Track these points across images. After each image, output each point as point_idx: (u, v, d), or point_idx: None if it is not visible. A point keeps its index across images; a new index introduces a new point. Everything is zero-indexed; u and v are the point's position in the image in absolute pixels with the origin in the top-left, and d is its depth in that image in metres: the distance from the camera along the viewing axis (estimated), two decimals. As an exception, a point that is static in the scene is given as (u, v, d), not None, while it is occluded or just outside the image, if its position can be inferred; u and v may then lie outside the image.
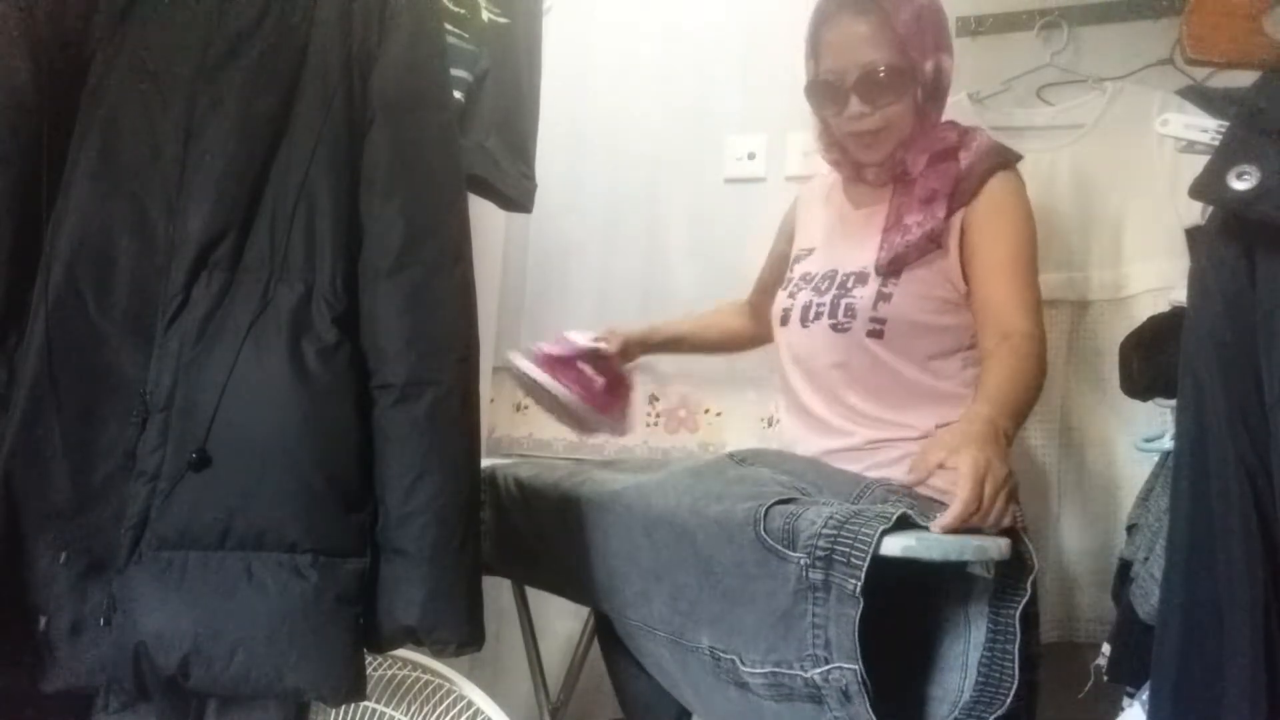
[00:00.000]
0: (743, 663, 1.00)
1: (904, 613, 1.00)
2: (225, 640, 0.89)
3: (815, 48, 1.33)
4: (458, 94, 1.50)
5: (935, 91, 1.31)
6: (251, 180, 0.97)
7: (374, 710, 1.42)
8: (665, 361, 2.01)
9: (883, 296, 1.28)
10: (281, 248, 0.96)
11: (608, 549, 1.19)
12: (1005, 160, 1.31)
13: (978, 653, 1.02)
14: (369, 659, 1.02)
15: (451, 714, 1.40)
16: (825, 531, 0.94)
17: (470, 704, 1.40)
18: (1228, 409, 0.82)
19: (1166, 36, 1.60)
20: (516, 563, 1.44)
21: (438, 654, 1.03)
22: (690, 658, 1.09)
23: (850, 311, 1.29)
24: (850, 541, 0.93)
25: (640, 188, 2.08)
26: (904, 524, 0.96)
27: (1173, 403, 1.07)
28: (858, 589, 0.91)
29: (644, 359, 2.06)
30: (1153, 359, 1.30)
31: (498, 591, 1.56)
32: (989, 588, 1.01)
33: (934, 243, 1.26)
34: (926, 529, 0.97)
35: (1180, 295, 1.05)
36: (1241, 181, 0.80)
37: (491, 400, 2.09)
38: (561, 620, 1.79)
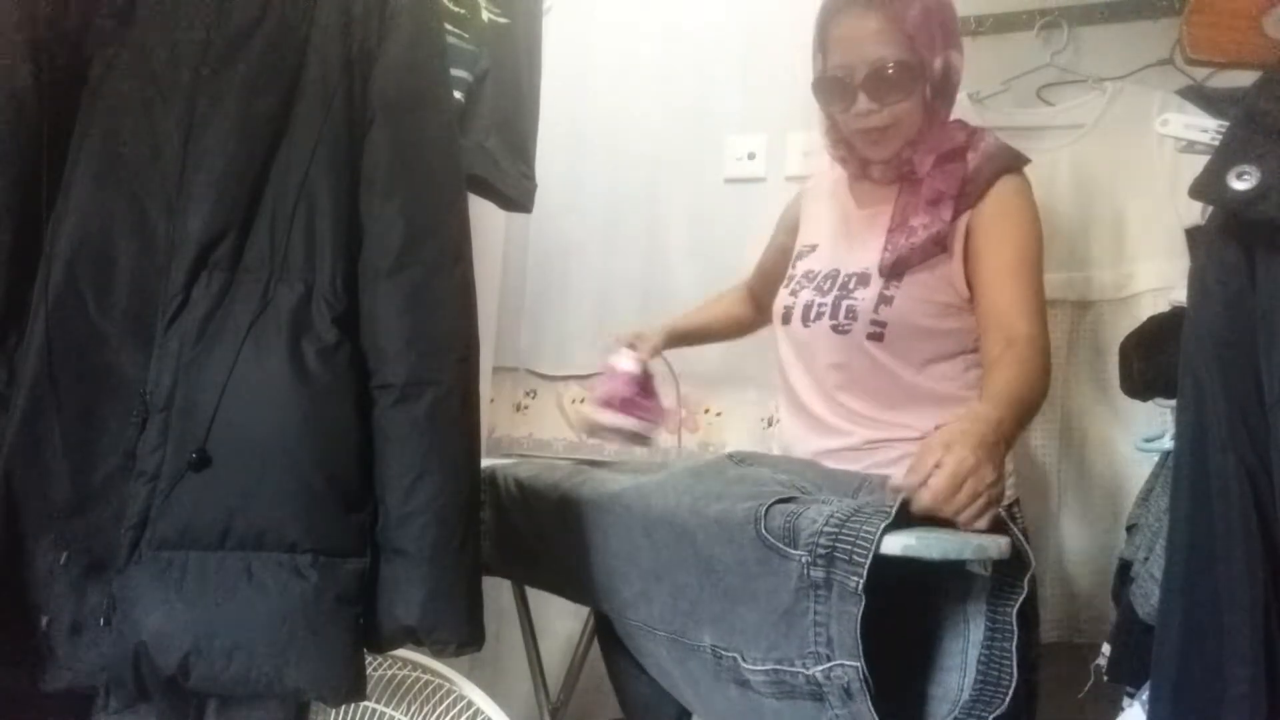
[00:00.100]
0: (744, 660, 1.01)
1: (903, 611, 1.00)
2: (225, 640, 0.89)
3: (823, 43, 1.32)
4: (458, 94, 1.50)
5: (944, 89, 1.29)
6: (251, 180, 0.97)
7: (374, 710, 1.42)
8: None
9: (884, 299, 1.27)
10: (281, 248, 0.96)
11: (607, 549, 1.19)
12: (1013, 163, 1.30)
13: (976, 651, 1.02)
14: (369, 659, 1.02)
15: (451, 714, 1.40)
16: (826, 529, 0.94)
17: (470, 704, 1.40)
18: (1228, 409, 0.82)
19: (1166, 36, 1.60)
20: (516, 563, 1.44)
21: (438, 654, 1.03)
22: (691, 657, 1.09)
23: (851, 313, 1.29)
24: (852, 539, 0.93)
25: (640, 188, 2.08)
26: (904, 517, 0.96)
27: (1173, 403, 1.07)
28: (860, 586, 0.91)
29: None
30: (1153, 359, 1.29)
31: (498, 591, 1.56)
32: (987, 586, 1.01)
33: (939, 246, 1.25)
34: (924, 522, 0.97)
35: (1180, 295, 1.05)
36: (1241, 181, 0.80)
37: (491, 400, 2.09)
38: (561, 620, 1.79)
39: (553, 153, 1.82)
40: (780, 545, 0.97)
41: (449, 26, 1.39)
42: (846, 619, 0.93)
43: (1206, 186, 0.83)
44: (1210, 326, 0.85)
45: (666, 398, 1.52)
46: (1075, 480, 1.63)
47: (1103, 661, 1.32)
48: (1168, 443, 1.27)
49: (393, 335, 0.97)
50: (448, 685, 1.42)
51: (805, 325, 1.34)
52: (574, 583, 1.27)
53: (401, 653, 1.40)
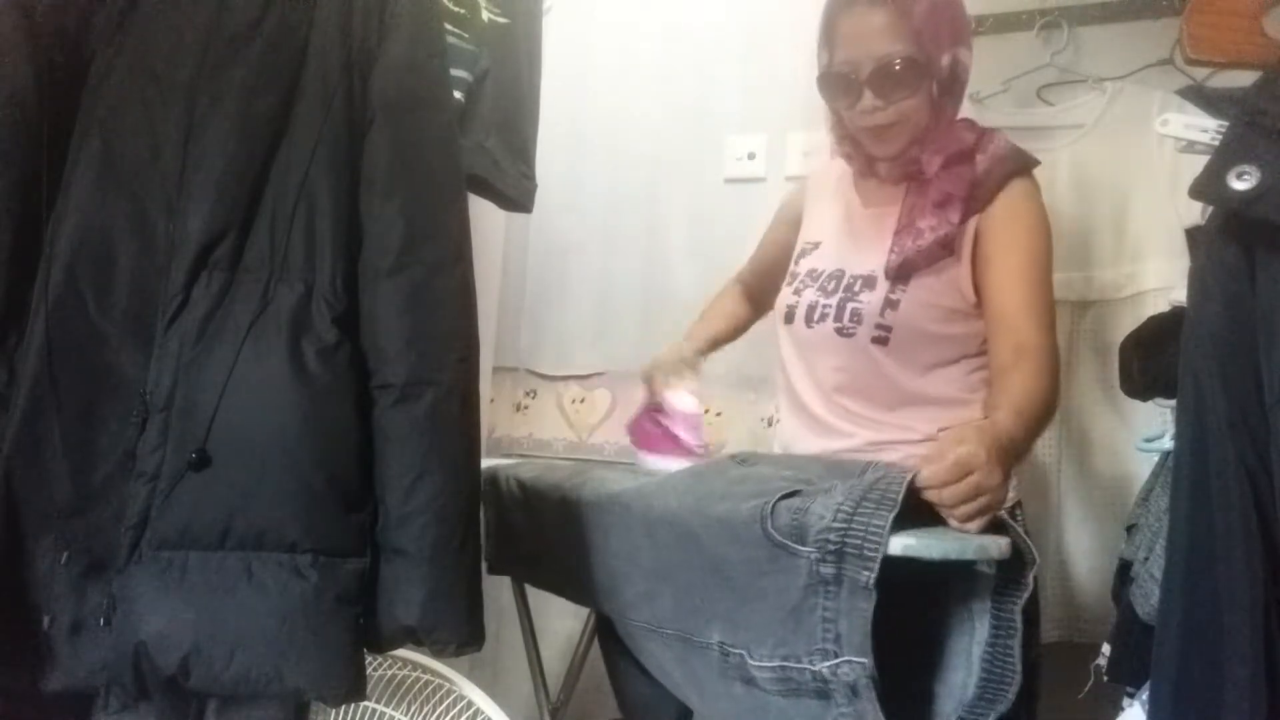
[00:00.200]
0: (751, 657, 1.00)
1: (907, 609, 0.99)
2: (225, 640, 0.89)
3: (829, 38, 1.29)
4: (458, 94, 1.50)
5: (951, 86, 1.27)
6: (251, 180, 0.97)
7: (374, 710, 1.42)
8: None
9: (890, 304, 1.26)
10: (281, 248, 0.96)
11: (608, 549, 1.19)
12: (1022, 166, 1.28)
13: (981, 649, 1.01)
14: (369, 659, 1.02)
15: (451, 714, 1.40)
16: (835, 525, 0.94)
17: (470, 704, 1.40)
18: (1228, 409, 0.82)
19: (1166, 36, 1.59)
20: (517, 563, 1.44)
21: (438, 654, 1.03)
22: (696, 656, 1.08)
23: (856, 316, 1.27)
24: (862, 533, 0.92)
25: (640, 188, 2.08)
26: (909, 508, 0.96)
27: (1173, 403, 1.07)
28: (871, 581, 0.91)
29: (642, 357, 2.07)
30: (1153, 359, 1.29)
31: (498, 591, 1.56)
32: (991, 584, 1.01)
33: (946, 249, 1.24)
34: (928, 521, 0.97)
35: (1180, 295, 1.05)
36: (1241, 181, 0.80)
37: (491, 400, 2.09)
38: (561, 620, 1.79)
39: (553, 153, 1.82)
40: (788, 543, 0.97)
41: (449, 26, 1.39)
42: (857, 615, 0.92)
43: (1206, 186, 0.83)
44: (1210, 326, 0.84)
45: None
46: (1075, 480, 1.63)
47: (1103, 661, 1.32)
48: (1168, 443, 1.27)
49: (393, 335, 0.97)
50: (448, 685, 1.42)
51: (808, 326, 1.33)
52: (575, 583, 1.27)
53: (401, 653, 1.40)
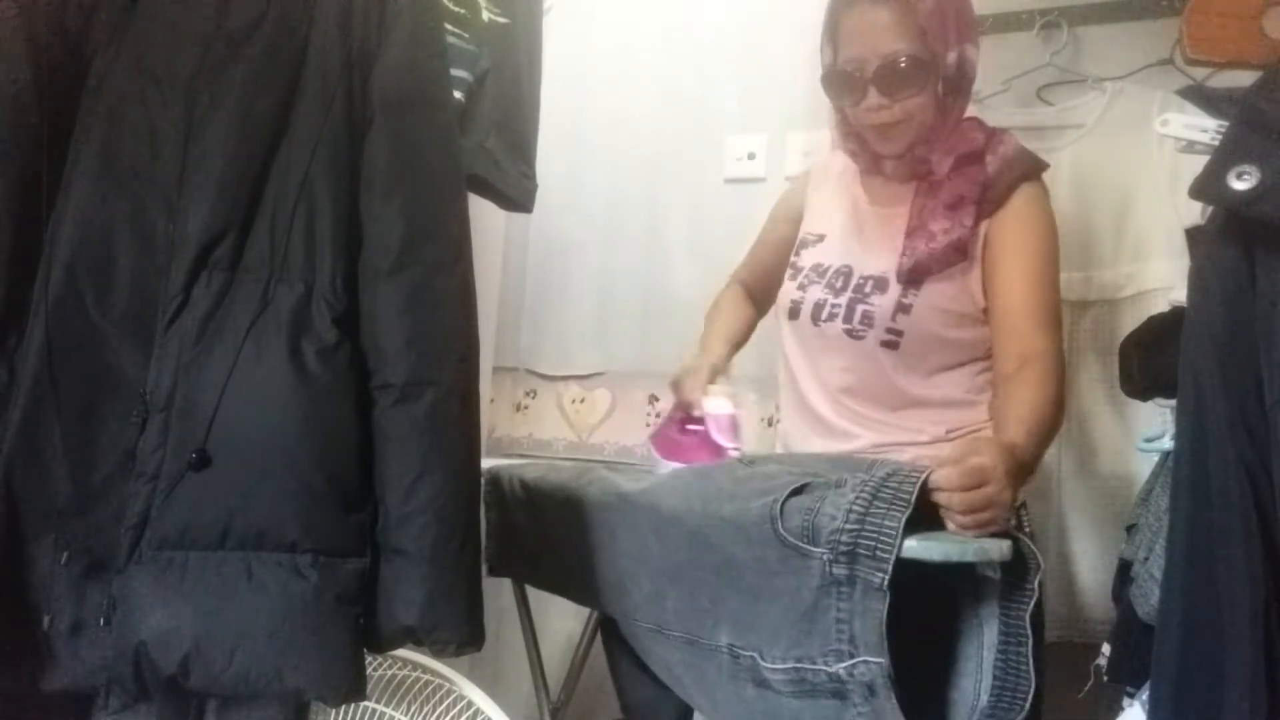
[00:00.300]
0: (763, 659, 1.00)
1: (916, 614, 0.98)
2: (225, 640, 0.89)
3: (833, 34, 1.28)
4: (458, 94, 1.50)
5: (958, 84, 1.26)
6: (251, 180, 0.97)
7: (374, 710, 1.42)
8: (665, 361, 2.01)
9: (902, 307, 1.25)
10: (281, 248, 0.96)
11: (616, 550, 1.19)
12: (1033, 169, 1.28)
13: (991, 654, 1.01)
14: (369, 659, 1.02)
15: (451, 714, 1.40)
16: (848, 526, 0.93)
17: (470, 704, 1.40)
18: (1228, 409, 0.82)
19: (1166, 36, 1.59)
20: (520, 564, 1.43)
21: (438, 654, 1.03)
22: (705, 658, 1.08)
23: (867, 319, 1.26)
24: (875, 534, 0.92)
25: (640, 188, 2.08)
26: (921, 510, 0.96)
27: (1173, 403, 1.07)
28: (885, 582, 0.91)
29: (642, 357, 2.07)
30: (1153, 359, 1.29)
31: (498, 591, 1.56)
32: (997, 589, 1.01)
33: (960, 253, 1.23)
34: (934, 525, 0.97)
35: (1180, 295, 1.05)
36: (1241, 181, 0.80)
37: (491, 400, 2.09)
38: (561, 620, 1.79)
39: (553, 153, 1.82)
40: (800, 544, 0.97)
41: (449, 26, 1.39)
42: (871, 615, 0.92)
43: (1206, 186, 0.83)
44: (1210, 326, 0.84)
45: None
46: (1076, 480, 1.62)
47: (1103, 661, 1.32)
48: (1168, 443, 1.27)
49: (393, 335, 0.97)
50: (448, 685, 1.41)
51: (815, 324, 1.31)
52: (579, 584, 1.26)
53: (401, 653, 1.40)
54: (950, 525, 0.98)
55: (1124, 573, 1.32)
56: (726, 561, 1.04)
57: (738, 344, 1.53)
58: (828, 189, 1.43)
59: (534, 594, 1.50)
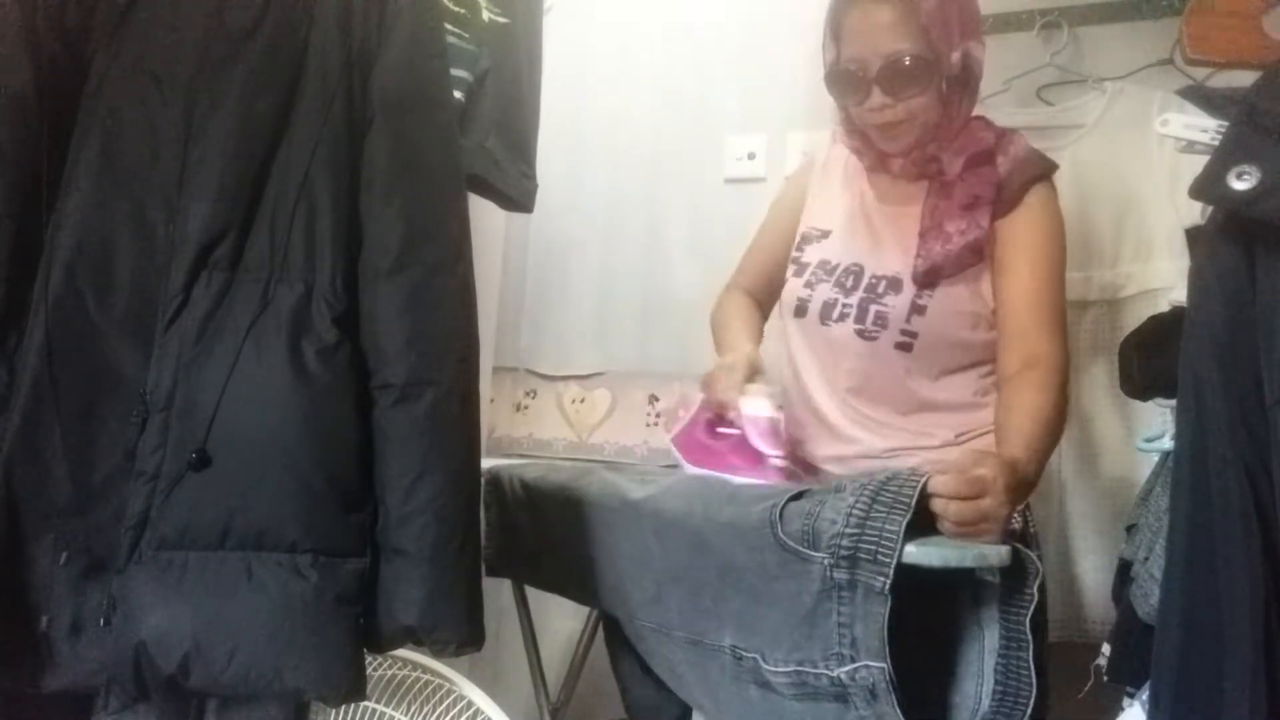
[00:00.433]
0: (765, 661, 1.00)
1: (917, 618, 0.98)
2: (225, 640, 0.89)
3: (836, 33, 1.27)
4: (458, 94, 1.50)
5: (963, 82, 1.25)
6: (251, 180, 0.97)
7: (374, 710, 1.42)
8: (665, 361, 2.01)
9: (917, 309, 1.24)
10: (281, 248, 0.96)
11: (617, 551, 1.19)
12: (1044, 171, 1.27)
13: (993, 659, 1.00)
14: (369, 659, 1.02)
15: (451, 714, 1.40)
16: (848, 530, 0.93)
17: (470, 704, 1.40)
18: (1228, 409, 0.82)
19: (1166, 36, 1.59)
20: (521, 564, 1.43)
21: (438, 654, 1.03)
22: (708, 659, 1.08)
23: (881, 320, 1.25)
24: (875, 538, 0.92)
25: (640, 188, 2.08)
26: (927, 517, 0.96)
27: (1173, 403, 1.07)
28: (886, 586, 0.91)
29: (642, 357, 2.06)
30: (1153, 359, 1.29)
31: (498, 591, 1.56)
32: (997, 593, 1.01)
33: (977, 254, 1.22)
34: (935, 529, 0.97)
35: (1180, 295, 1.05)
36: (1241, 181, 0.80)
37: (491, 400, 2.09)
38: (561, 620, 1.79)
39: (553, 153, 1.82)
40: (800, 549, 0.96)
41: (449, 26, 1.39)
42: (872, 620, 0.92)
43: (1206, 186, 0.83)
44: (1210, 326, 0.84)
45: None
46: (1076, 480, 1.62)
47: (1103, 661, 1.32)
48: (1168, 443, 1.27)
49: (393, 335, 0.97)
50: (448, 685, 1.41)
51: (824, 324, 1.30)
52: (581, 584, 1.26)
53: (401, 653, 1.40)
54: (943, 529, 0.98)
55: (1124, 573, 1.32)
56: (727, 565, 1.04)
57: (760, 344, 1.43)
58: (832, 182, 1.41)
59: (534, 594, 1.50)
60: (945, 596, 1.03)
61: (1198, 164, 0.86)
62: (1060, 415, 1.17)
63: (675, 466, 1.33)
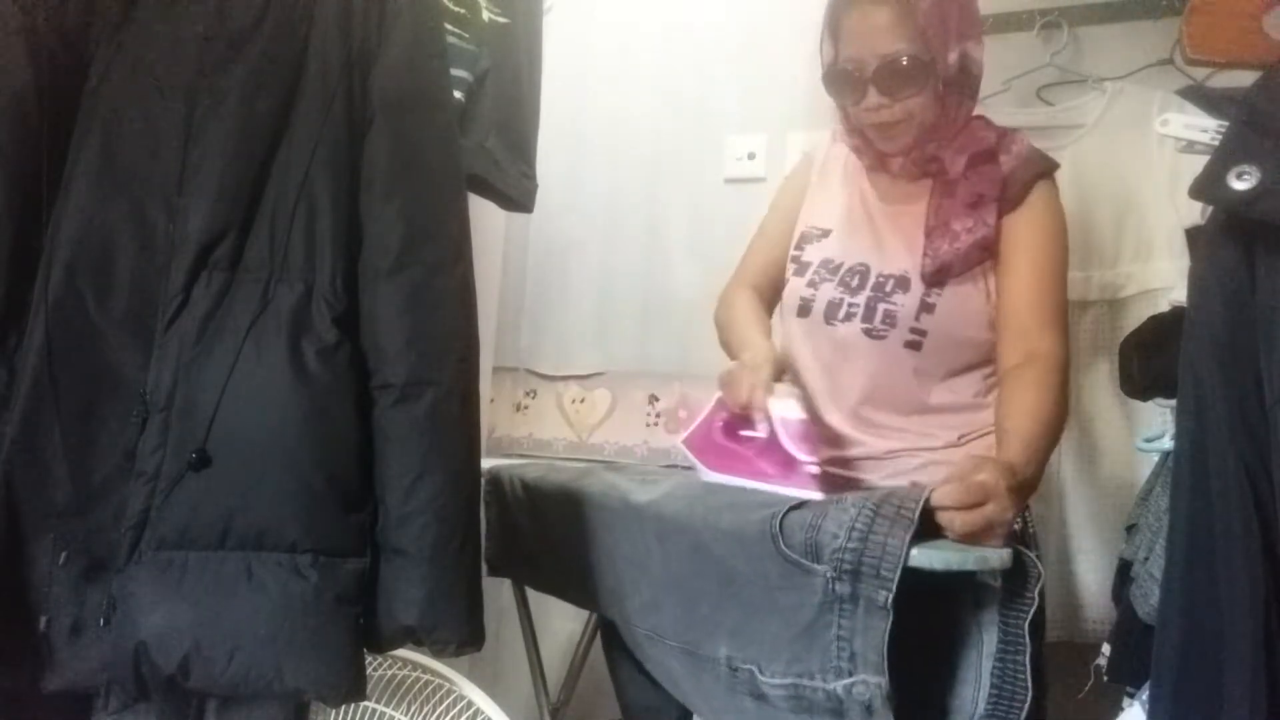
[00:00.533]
0: (761, 673, 0.99)
1: (916, 620, 0.98)
2: (225, 640, 0.89)
3: (833, 33, 1.27)
4: (458, 94, 1.50)
5: (961, 82, 1.24)
6: (251, 180, 0.97)
7: (374, 710, 1.42)
8: (665, 361, 2.01)
9: (926, 307, 1.23)
10: (281, 248, 0.96)
11: (617, 552, 1.18)
12: (1047, 168, 1.27)
13: (990, 663, 1.00)
14: (369, 659, 1.02)
15: (451, 714, 1.40)
16: (850, 545, 0.93)
17: (470, 704, 1.40)
18: (1228, 409, 0.82)
19: (1166, 36, 1.60)
20: (520, 565, 1.43)
21: (438, 654, 1.03)
22: (704, 669, 1.07)
23: (889, 318, 1.24)
24: (878, 552, 0.91)
25: (640, 188, 2.08)
26: (927, 527, 0.95)
27: (1173, 403, 1.07)
28: (888, 601, 0.90)
29: (642, 357, 2.06)
30: (1153, 359, 1.30)
31: (498, 591, 1.56)
32: (997, 596, 1.00)
33: (985, 251, 1.22)
34: (938, 534, 0.97)
35: (1180, 295, 1.05)
36: (1241, 181, 0.80)
37: (491, 400, 2.09)
38: (561, 620, 1.79)
39: (553, 153, 1.82)
40: (803, 560, 0.96)
41: (449, 26, 1.39)
42: (873, 634, 0.92)
43: (1206, 186, 0.83)
44: (1210, 326, 0.84)
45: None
46: (1076, 480, 1.63)
47: (1103, 661, 1.32)
48: (1168, 443, 1.27)
49: (393, 335, 0.97)
50: (448, 685, 1.41)
51: (829, 323, 1.29)
52: (580, 586, 1.26)
53: (401, 653, 1.40)
54: (949, 534, 0.98)
55: (1124, 573, 1.32)
56: (728, 574, 1.03)
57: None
58: (831, 181, 1.41)
59: (534, 594, 1.50)
60: (947, 599, 1.03)
61: (1198, 164, 0.86)
62: (1060, 413, 1.17)
63: (674, 466, 1.32)
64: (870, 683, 0.91)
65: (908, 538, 0.92)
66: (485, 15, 1.54)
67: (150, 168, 0.96)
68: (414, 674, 1.43)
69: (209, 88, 0.97)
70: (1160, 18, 1.65)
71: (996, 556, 0.96)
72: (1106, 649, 1.32)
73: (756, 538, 1.00)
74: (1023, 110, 1.72)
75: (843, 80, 1.26)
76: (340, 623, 0.92)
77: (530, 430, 2.14)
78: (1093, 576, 1.58)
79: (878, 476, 1.25)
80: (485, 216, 1.70)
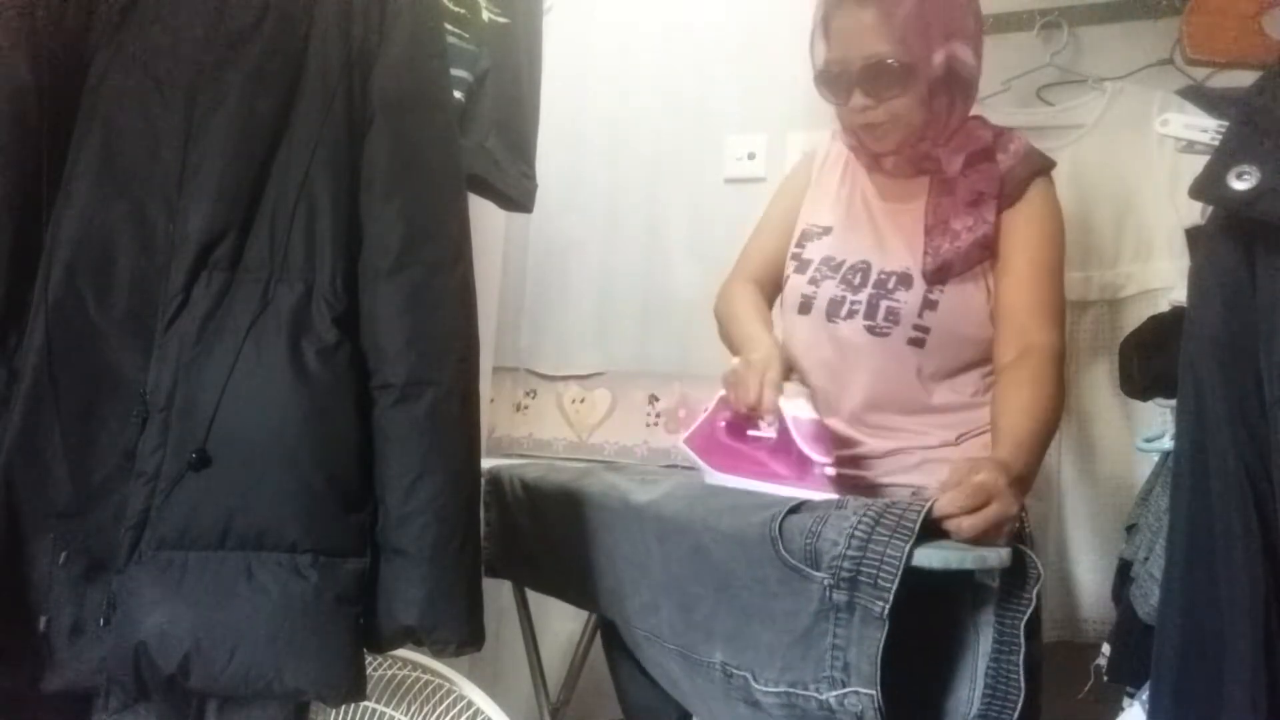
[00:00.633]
0: (755, 681, 0.99)
1: (912, 620, 0.98)
2: (225, 640, 0.89)
3: (824, 32, 1.27)
4: (458, 94, 1.50)
5: (949, 84, 1.23)
6: (251, 180, 0.97)
7: (374, 710, 1.42)
8: (665, 361, 2.01)
9: (929, 303, 1.23)
10: (281, 248, 0.96)
11: (616, 553, 1.18)
12: (1044, 166, 1.28)
13: (985, 663, 1.00)
14: (369, 659, 1.02)
15: (451, 714, 1.40)
16: (850, 553, 0.92)
17: (470, 704, 1.40)
18: (1228, 409, 0.82)
19: (1166, 36, 1.60)
20: (520, 565, 1.43)
21: (438, 654, 1.03)
22: (700, 673, 1.07)
23: (892, 315, 1.24)
24: (877, 562, 0.91)
25: (640, 187, 2.08)
26: (927, 530, 0.95)
27: (1173, 403, 1.07)
28: (885, 611, 0.90)
29: (642, 357, 2.06)
30: (1153, 359, 1.30)
31: (498, 591, 1.56)
32: (994, 596, 1.00)
33: (986, 249, 1.23)
34: (948, 536, 0.97)
35: (1180, 295, 1.05)
36: (1241, 181, 0.80)
37: (491, 400, 2.09)
38: (561, 620, 1.79)
39: (553, 153, 1.82)
40: (802, 566, 0.96)
41: (449, 26, 1.39)
42: (867, 644, 0.91)
43: (1206, 186, 0.83)
44: (1210, 326, 0.84)
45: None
46: (1075, 480, 1.63)
47: (1103, 661, 1.32)
48: (1168, 443, 1.27)
49: (393, 335, 0.97)
50: (448, 685, 1.41)
51: (831, 321, 1.29)
52: (579, 587, 1.26)
53: (401, 653, 1.40)
54: (955, 536, 0.97)
55: (1124, 573, 1.32)
56: (726, 577, 1.03)
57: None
58: (831, 179, 1.41)
59: (534, 594, 1.50)
60: (947, 599, 1.03)
61: (1198, 164, 0.86)
62: (1056, 406, 1.17)
63: (675, 466, 1.32)
64: (862, 694, 0.91)
65: (907, 548, 0.91)
66: (485, 15, 1.54)
67: (150, 168, 0.96)
68: (414, 674, 1.43)
69: (209, 87, 0.97)
70: (1160, 18, 1.65)
71: (995, 556, 0.96)
72: (1106, 649, 1.32)
73: (757, 541, 0.99)
74: (1023, 110, 1.72)
75: (830, 81, 1.27)
76: (340, 623, 0.92)
77: (530, 430, 2.14)
78: (1092, 576, 1.58)
79: (874, 475, 1.25)
80: (485, 216, 1.70)
